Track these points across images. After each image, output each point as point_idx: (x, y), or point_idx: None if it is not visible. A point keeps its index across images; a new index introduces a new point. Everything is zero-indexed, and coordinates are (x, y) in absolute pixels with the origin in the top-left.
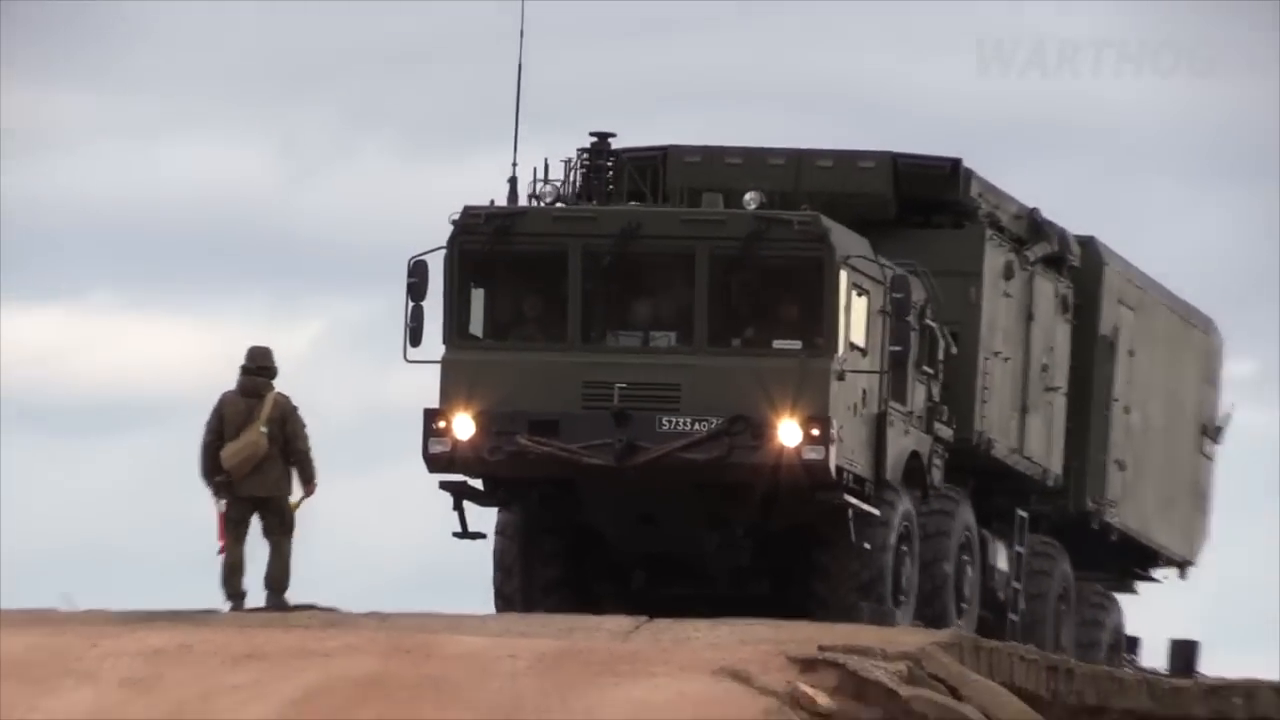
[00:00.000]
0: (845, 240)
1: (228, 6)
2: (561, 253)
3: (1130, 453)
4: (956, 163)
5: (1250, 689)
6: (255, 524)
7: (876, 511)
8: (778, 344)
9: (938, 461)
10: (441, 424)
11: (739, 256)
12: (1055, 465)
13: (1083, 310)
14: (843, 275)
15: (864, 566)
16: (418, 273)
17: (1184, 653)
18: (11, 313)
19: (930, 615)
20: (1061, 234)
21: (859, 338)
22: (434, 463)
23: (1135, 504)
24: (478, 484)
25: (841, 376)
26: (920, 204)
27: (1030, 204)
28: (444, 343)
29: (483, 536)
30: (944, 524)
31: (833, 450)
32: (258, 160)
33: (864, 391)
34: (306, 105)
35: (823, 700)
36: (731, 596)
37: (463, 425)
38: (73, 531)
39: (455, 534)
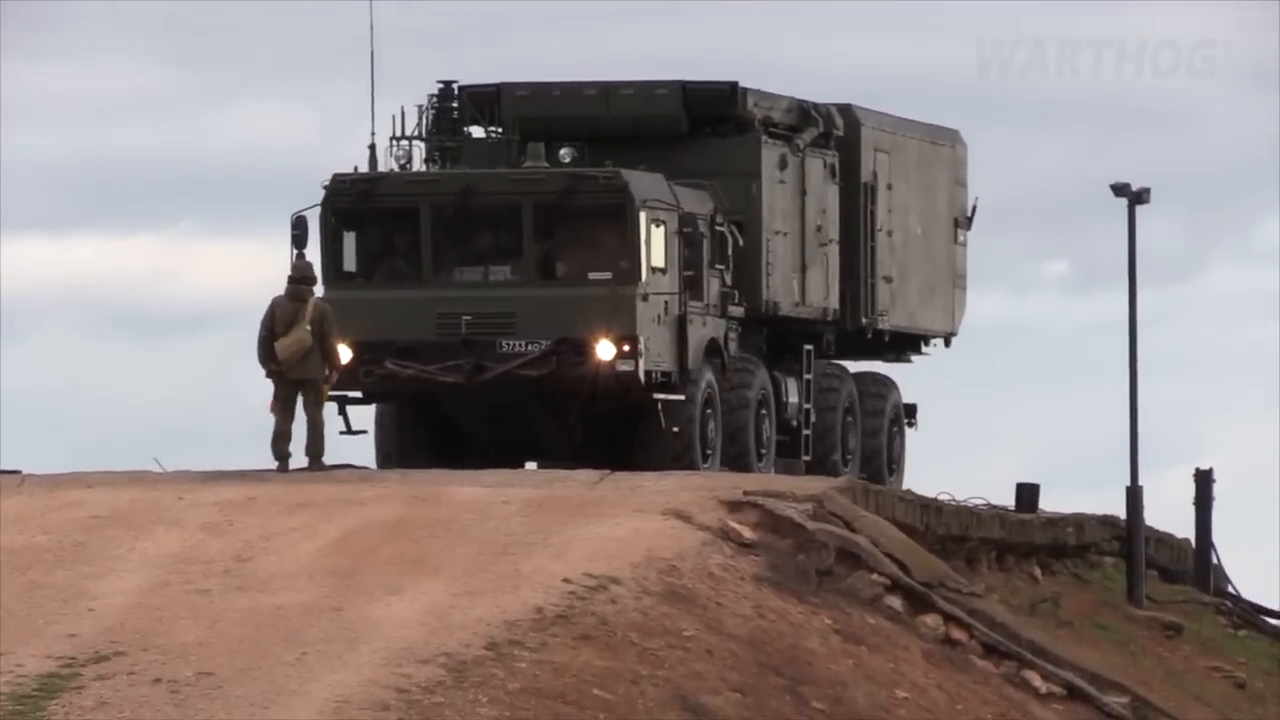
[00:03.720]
0: (642, 185)
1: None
2: (414, 208)
3: (894, 267)
4: (734, 84)
5: (1079, 521)
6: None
7: (682, 397)
8: (592, 275)
9: (733, 337)
10: None
11: (557, 206)
12: (833, 301)
13: (848, 166)
14: (642, 215)
15: (674, 441)
16: (300, 226)
17: (1028, 494)
18: (116, 240)
19: (734, 463)
20: (827, 113)
21: (659, 260)
22: None
23: (903, 305)
24: (357, 394)
25: (646, 298)
26: (708, 119)
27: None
28: (322, 283)
29: (364, 433)
30: (742, 390)
31: (641, 361)
32: (305, 122)
33: (666, 303)
34: (339, 80)
35: (747, 533)
36: (571, 464)
37: (342, 353)
38: (163, 410)
39: (341, 432)
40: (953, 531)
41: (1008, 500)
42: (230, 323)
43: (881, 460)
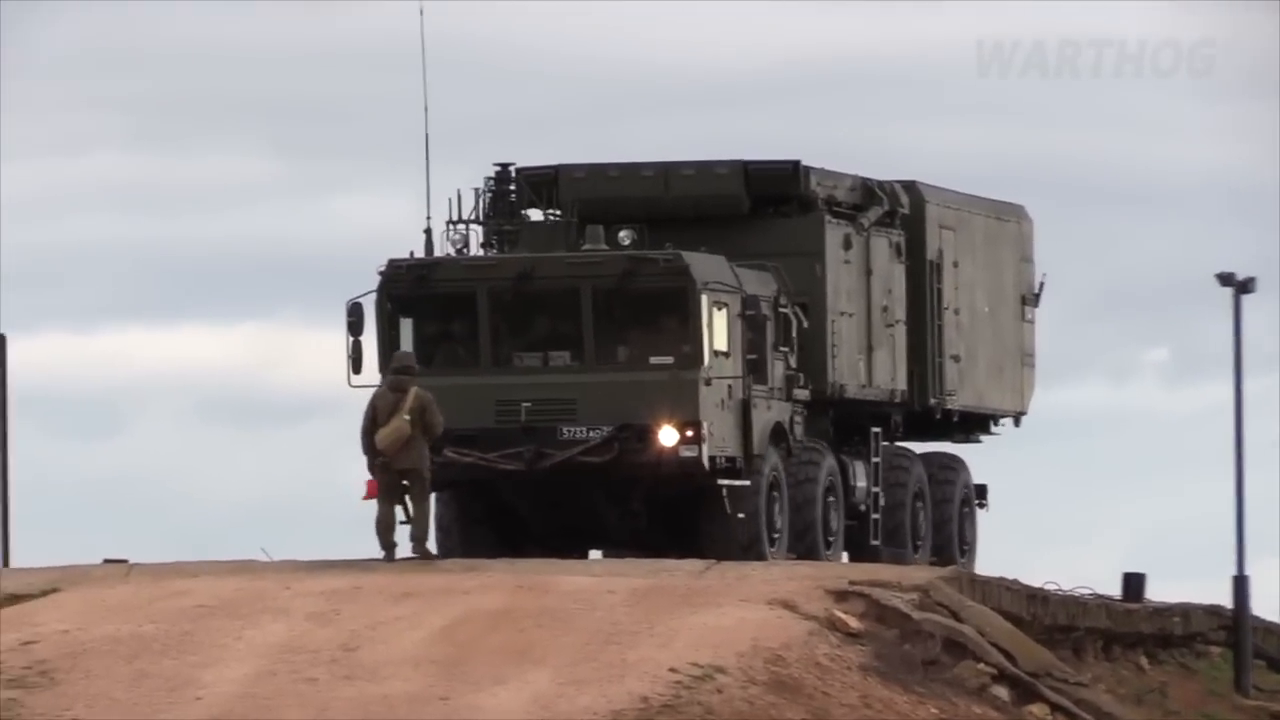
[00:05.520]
0: (703, 267)
1: (379, 89)
2: (471, 294)
3: (962, 346)
4: (797, 163)
5: (1186, 611)
6: None
7: (747, 483)
8: (654, 360)
9: (798, 420)
10: None
11: (617, 289)
12: (900, 383)
13: (913, 244)
14: (703, 298)
15: (740, 528)
16: (355, 313)
17: (1135, 583)
18: (221, 328)
19: (802, 549)
20: (892, 192)
21: (722, 344)
22: None
23: (971, 385)
24: None
25: (709, 382)
26: (770, 199)
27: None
28: (380, 372)
29: None
30: (809, 475)
31: (704, 446)
32: (406, 210)
33: (729, 387)
34: (435, 167)
35: (853, 623)
36: (635, 552)
37: None
38: (269, 499)
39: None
40: (1059, 621)
41: (1113, 589)
42: (335, 410)
43: (953, 542)
